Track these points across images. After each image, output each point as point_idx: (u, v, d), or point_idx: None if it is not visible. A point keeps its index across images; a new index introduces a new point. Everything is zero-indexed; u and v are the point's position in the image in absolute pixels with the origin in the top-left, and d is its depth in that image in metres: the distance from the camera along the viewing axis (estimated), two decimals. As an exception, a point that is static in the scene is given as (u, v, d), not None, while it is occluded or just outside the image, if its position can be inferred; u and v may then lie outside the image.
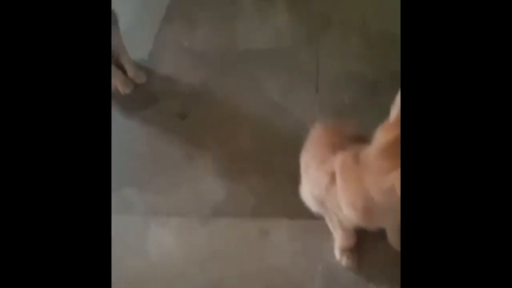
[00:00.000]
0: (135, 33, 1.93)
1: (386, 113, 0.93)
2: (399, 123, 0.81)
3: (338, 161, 0.99)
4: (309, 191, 1.16)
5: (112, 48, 1.68)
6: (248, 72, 1.78)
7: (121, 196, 1.50)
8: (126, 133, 1.67)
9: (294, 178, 1.28)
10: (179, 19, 2.02)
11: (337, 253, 1.24)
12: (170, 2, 2.09)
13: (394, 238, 1.21)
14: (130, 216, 1.46)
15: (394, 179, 0.82)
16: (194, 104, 1.72)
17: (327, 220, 1.21)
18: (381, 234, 1.20)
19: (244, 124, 1.63)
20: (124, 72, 1.77)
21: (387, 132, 0.87)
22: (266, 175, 1.47)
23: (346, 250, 1.23)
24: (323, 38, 1.84)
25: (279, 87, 1.72)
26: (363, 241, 1.23)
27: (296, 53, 1.82)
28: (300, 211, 1.25)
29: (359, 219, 0.98)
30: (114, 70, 1.73)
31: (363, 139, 1.06)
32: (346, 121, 1.30)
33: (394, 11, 1.27)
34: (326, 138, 1.11)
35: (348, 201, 0.97)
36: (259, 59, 1.82)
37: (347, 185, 0.96)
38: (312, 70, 1.74)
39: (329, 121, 1.23)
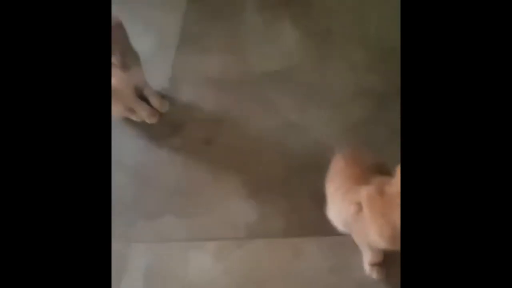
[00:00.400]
0: (153, 64, 2.01)
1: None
2: None
3: (364, 194, 1.07)
4: (336, 216, 1.26)
5: (137, 83, 1.78)
6: (263, 93, 1.85)
7: (160, 224, 1.60)
8: (157, 163, 1.77)
9: (319, 196, 1.36)
10: (192, 47, 2.07)
11: (366, 268, 1.34)
12: (181, 33, 2.15)
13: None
14: (170, 243, 1.57)
15: None
16: (216, 129, 1.80)
17: (355, 240, 1.31)
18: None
19: (265, 146, 1.71)
20: (148, 103, 1.87)
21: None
22: (292, 195, 1.56)
23: (375, 265, 1.32)
24: (328, 53, 1.90)
25: (294, 106, 1.79)
26: (391, 253, 1.29)
27: (305, 71, 1.88)
28: (328, 228, 1.33)
29: (387, 245, 1.08)
30: (139, 103, 1.82)
31: (382, 168, 1.15)
32: (363, 147, 1.37)
33: (395, 26, 1.32)
34: (348, 170, 1.20)
35: (376, 230, 1.06)
36: (271, 80, 1.88)
37: (374, 216, 1.05)
38: (322, 86, 1.81)
39: (348, 150, 1.30)
